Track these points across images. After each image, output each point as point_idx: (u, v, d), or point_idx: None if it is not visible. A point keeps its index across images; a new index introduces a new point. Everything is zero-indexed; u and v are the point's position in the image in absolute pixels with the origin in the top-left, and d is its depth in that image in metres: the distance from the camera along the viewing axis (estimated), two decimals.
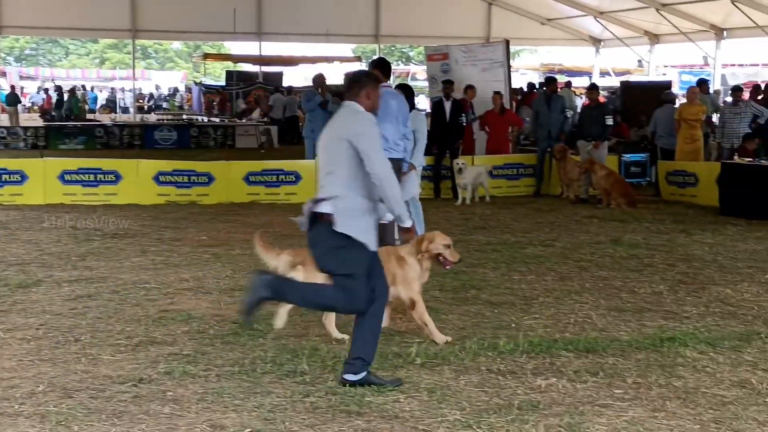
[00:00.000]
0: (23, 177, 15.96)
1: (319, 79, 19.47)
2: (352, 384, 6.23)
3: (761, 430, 5.59)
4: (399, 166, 10.17)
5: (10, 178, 15.99)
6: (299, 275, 7.32)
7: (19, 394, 6.10)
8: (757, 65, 43.52)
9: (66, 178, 16.19)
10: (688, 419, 5.77)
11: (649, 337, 7.66)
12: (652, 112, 19.02)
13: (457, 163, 17.05)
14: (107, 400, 5.98)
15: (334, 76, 32.96)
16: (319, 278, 6.76)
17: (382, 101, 10.05)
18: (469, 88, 20.21)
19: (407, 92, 10.96)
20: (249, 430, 5.53)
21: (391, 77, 10.78)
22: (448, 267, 7.63)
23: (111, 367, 6.70)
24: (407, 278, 7.41)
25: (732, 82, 39.44)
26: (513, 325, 8.12)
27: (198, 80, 45.76)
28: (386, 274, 6.68)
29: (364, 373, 6.26)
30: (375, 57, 22.61)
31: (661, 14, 30.98)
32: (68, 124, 31.77)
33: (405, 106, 10.26)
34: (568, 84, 30.73)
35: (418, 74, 57.54)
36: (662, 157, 18.55)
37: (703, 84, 22.24)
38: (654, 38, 34.40)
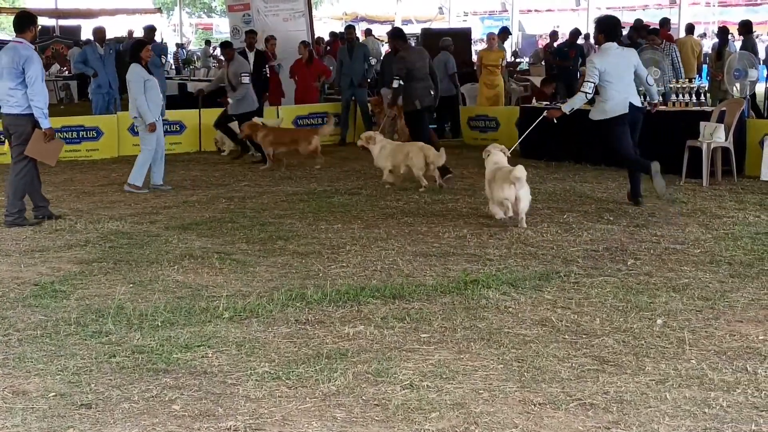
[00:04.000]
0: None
1: (99, 34, 18.92)
2: None
3: (561, 366, 5.81)
4: (10, 122, 10.65)
5: None
6: None
7: None
8: (552, 11, 44.77)
9: None
10: (492, 359, 5.96)
11: (453, 280, 7.85)
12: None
13: None
14: None
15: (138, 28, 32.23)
16: None
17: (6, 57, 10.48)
18: (270, 39, 20.07)
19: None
20: (53, 394, 5.42)
21: None
22: None
23: None
24: None
25: (528, 29, 40.55)
26: (321, 274, 8.20)
27: None
28: None
29: None
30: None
31: None
32: None
33: (9, 59, 10.40)
34: (369, 32, 30.86)
35: (220, 26, 56.87)
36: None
37: (505, 32, 22.83)
38: None
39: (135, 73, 12.75)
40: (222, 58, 20.13)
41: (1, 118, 10.94)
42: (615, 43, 11.29)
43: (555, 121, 11.51)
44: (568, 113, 11.42)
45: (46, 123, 10.45)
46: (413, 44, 31.82)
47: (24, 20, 10.79)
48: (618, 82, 11.08)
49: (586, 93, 11.14)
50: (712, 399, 5.27)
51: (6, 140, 11.72)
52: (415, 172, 12.67)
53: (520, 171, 9.96)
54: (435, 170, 12.77)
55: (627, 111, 11.08)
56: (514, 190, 9.94)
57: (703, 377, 5.60)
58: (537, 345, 6.21)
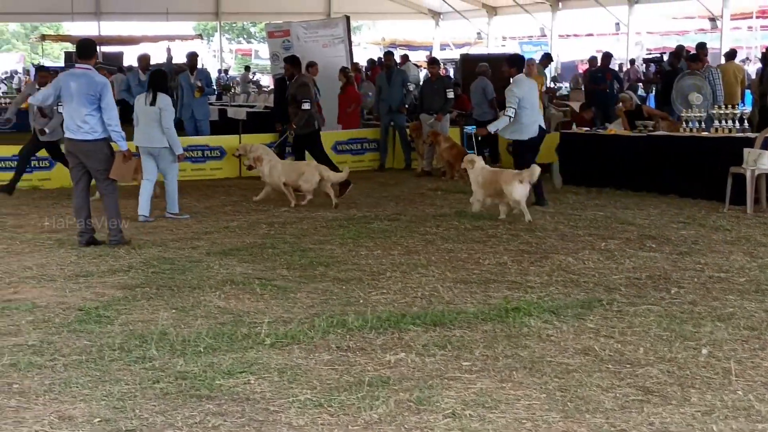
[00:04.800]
0: None
1: (143, 61, 19.09)
2: None
3: (605, 396, 5.76)
4: (83, 148, 10.62)
5: None
6: None
7: None
8: (592, 35, 44.65)
9: None
10: (535, 388, 5.92)
11: (494, 308, 7.82)
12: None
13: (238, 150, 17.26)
14: None
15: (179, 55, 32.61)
16: None
17: (63, 82, 10.63)
18: (311, 66, 20.18)
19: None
20: (98, 419, 5.44)
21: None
22: None
23: None
24: None
25: (563, 55, 40.44)
26: (361, 301, 8.20)
27: (36, 62, 44.44)
28: None
29: None
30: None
31: None
32: None
33: (87, 86, 10.49)
34: (406, 57, 30.91)
35: (260, 51, 57.23)
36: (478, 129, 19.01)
37: (546, 58, 22.86)
38: (492, 10, 35.00)
39: (167, 103, 12.76)
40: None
41: (68, 144, 10.81)
42: (523, 75, 13.77)
43: (479, 139, 14.70)
44: (492, 132, 14.18)
45: (124, 145, 10.68)
46: (451, 70, 32.03)
47: (90, 47, 10.96)
48: (531, 109, 13.23)
49: (509, 116, 13.05)
50: (759, 431, 5.21)
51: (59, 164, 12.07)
52: (305, 187, 13.58)
53: (537, 170, 12.20)
54: (331, 188, 13.67)
55: (537, 134, 13.29)
56: (526, 188, 12.19)
57: (750, 409, 5.54)
58: (580, 374, 6.17)
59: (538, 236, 11.11)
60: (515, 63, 13.82)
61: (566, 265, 9.55)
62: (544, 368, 6.30)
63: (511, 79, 13.46)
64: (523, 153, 13.38)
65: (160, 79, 13.03)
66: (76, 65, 10.91)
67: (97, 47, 11.19)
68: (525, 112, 13.09)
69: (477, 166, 12.78)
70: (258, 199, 13.92)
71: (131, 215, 12.32)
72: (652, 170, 14.53)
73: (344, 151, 18.66)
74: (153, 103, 12.59)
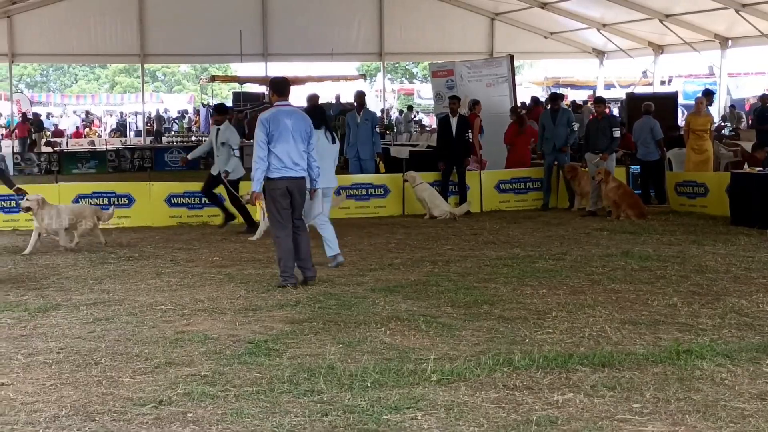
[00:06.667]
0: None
1: (312, 100, 19.49)
2: None
3: None
4: (300, 185, 10.75)
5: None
6: None
7: (43, 418, 6.13)
8: (763, 73, 43.50)
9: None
10: None
11: (665, 350, 7.65)
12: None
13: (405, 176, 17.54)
14: (129, 423, 6.02)
15: (343, 94, 33.31)
16: None
17: (273, 120, 10.59)
18: (476, 104, 20.30)
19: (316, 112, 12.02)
20: None
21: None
22: None
23: (131, 389, 6.73)
24: None
25: (736, 93, 39.47)
26: (527, 340, 8.14)
27: (205, 102, 45.89)
28: None
29: None
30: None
31: (665, 25, 30.99)
32: (81, 150, 32.13)
33: (302, 123, 10.67)
34: (573, 104, 30.72)
35: (422, 91, 57.72)
36: (642, 170, 18.71)
37: (708, 95, 22.34)
38: (658, 49, 34.39)
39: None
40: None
41: (284, 183, 10.69)
42: None
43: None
44: None
45: (317, 183, 11.10)
46: (615, 110, 31.65)
47: (287, 85, 11.20)
48: None
49: None
50: None
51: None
52: (80, 230, 13.64)
53: None
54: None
55: None
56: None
57: None
58: (757, 420, 5.97)
59: (708, 278, 10.84)
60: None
61: (739, 307, 9.28)
62: (719, 412, 6.12)
63: None
64: None
65: (321, 114, 12.71)
66: (276, 104, 10.93)
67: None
68: None
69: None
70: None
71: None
72: None
73: (507, 191, 18.64)
74: (334, 140, 12.53)
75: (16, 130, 36.13)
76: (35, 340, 8.32)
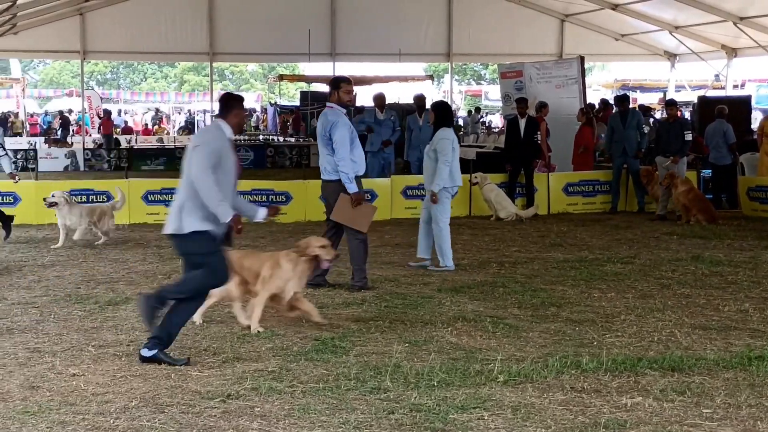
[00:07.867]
0: (109, 198, 16.16)
1: (378, 100, 19.47)
2: (145, 359, 7.26)
3: None
4: (335, 187, 10.55)
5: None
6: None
7: (113, 408, 6.22)
8: None
9: (149, 198, 16.53)
10: None
11: (736, 355, 7.55)
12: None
13: (475, 177, 17.29)
14: (197, 416, 6.08)
15: (409, 95, 33.22)
16: None
17: (319, 124, 10.57)
18: (543, 106, 20.17)
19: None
20: None
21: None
22: (326, 266, 8.87)
23: (200, 383, 6.80)
24: (272, 279, 8.47)
25: None
26: (595, 342, 8.08)
27: (273, 101, 46.18)
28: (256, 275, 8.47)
29: (155, 351, 7.25)
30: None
31: (739, 28, 30.53)
32: (150, 147, 32.54)
33: (323, 125, 10.49)
34: (642, 107, 30.34)
35: (489, 93, 57.53)
36: (713, 174, 18.46)
37: None
38: (731, 52, 33.89)
39: (441, 137, 11.81)
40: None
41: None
42: None
43: None
44: None
45: (352, 188, 10.42)
46: (687, 113, 31.25)
47: (331, 82, 10.98)
48: None
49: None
50: None
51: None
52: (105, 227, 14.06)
53: None
54: None
55: None
56: None
57: None
58: None
59: None
60: None
61: None
62: None
63: None
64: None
65: (447, 112, 12.23)
66: (327, 104, 10.86)
67: (341, 81, 10.89)
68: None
69: None
70: None
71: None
72: None
73: (575, 193, 18.51)
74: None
75: (102, 126, 36.82)
76: (105, 332, 8.45)
